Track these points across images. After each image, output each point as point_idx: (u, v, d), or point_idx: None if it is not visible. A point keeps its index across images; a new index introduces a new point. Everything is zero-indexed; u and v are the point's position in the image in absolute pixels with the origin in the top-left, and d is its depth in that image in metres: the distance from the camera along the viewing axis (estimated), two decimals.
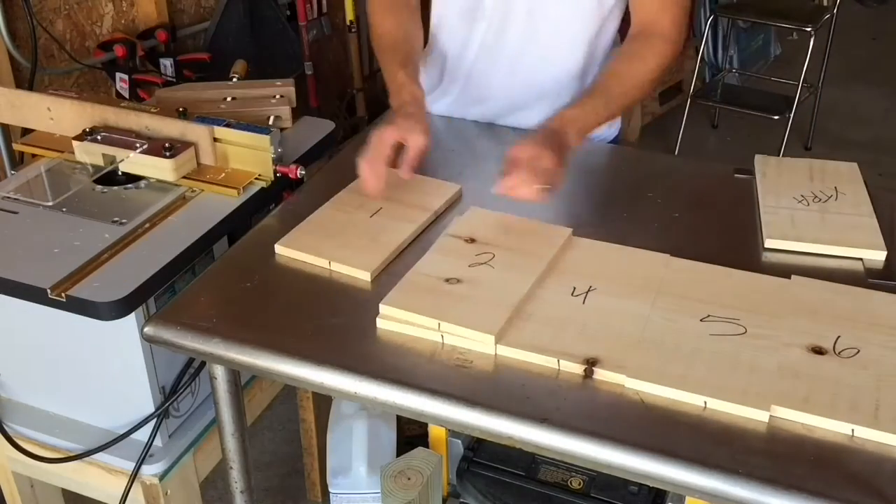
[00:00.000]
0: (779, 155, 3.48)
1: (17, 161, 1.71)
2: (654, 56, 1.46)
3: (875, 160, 3.67)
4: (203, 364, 1.39)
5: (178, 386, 1.40)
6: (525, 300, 1.15)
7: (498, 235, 1.28)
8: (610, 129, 1.69)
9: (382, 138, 1.30)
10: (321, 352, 1.10)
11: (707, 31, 3.86)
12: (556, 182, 1.29)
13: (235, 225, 1.41)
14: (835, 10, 3.65)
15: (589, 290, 1.18)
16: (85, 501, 1.61)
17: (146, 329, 1.16)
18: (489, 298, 1.14)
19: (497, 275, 1.19)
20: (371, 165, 1.30)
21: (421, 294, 1.15)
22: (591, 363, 1.05)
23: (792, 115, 3.61)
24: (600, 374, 1.04)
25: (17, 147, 1.57)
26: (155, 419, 1.37)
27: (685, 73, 4.08)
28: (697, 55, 3.85)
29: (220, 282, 1.25)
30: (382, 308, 1.14)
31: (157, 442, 1.40)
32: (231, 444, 1.30)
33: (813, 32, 3.48)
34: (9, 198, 1.41)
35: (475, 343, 1.09)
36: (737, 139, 3.98)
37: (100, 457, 1.40)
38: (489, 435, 1.02)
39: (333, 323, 1.15)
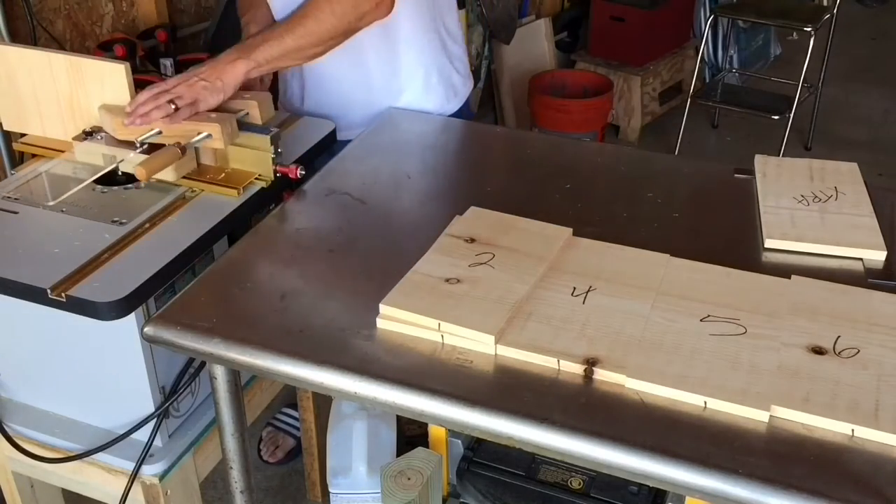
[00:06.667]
0: (779, 155, 3.48)
1: (17, 161, 1.71)
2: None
3: (875, 160, 3.67)
4: (203, 364, 1.39)
5: (178, 386, 1.40)
6: (525, 300, 1.15)
7: (498, 235, 1.28)
8: (449, 104, 1.77)
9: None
10: (321, 352, 1.10)
11: (707, 31, 3.85)
12: (192, 97, 1.41)
13: (235, 225, 1.41)
14: (835, 10, 3.64)
15: (589, 290, 1.18)
16: (85, 501, 1.60)
17: (146, 329, 1.16)
18: (489, 298, 1.14)
19: (497, 275, 1.19)
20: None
21: (421, 294, 1.15)
22: (591, 363, 1.05)
23: (792, 115, 3.61)
24: (600, 374, 1.04)
25: (17, 147, 1.57)
26: (155, 419, 1.37)
27: (685, 73, 4.08)
28: (697, 55, 3.85)
29: (220, 282, 1.25)
30: (382, 308, 1.14)
31: (157, 442, 1.39)
32: (231, 444, 1.30)
33: (813, 32, 3.48)
34: (9, 198, 1.40)
35: (475, 343, 1.09)
36: (737, 139, 3.98)
37: (100, 457, 1.40)
38: (489, 435, 1.02)
39: (333, 323, 1.15)
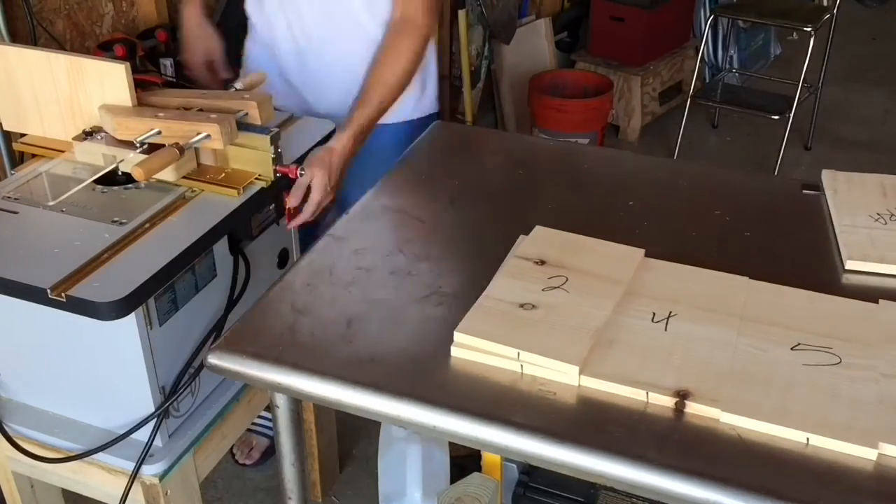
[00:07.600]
0: (779, 154, 3.47)
1: (17, 161, 1.70)
2: (408, 49, 1.66)
3: (875, 160, 3.67)
4: (203, 364, 1.38)
5: (178, 386, 1.39)
6: (605, 327, 1.09)
7: (568, 256, 1.22)
8: (416, 109, 1.84)
9: None
10: (395, 383, 1.04)
11: (707, 31, 3.84)
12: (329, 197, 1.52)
13: (235, 225, 1.41)
14: (835, 10, 3.63)
15: (670, 316, 1.12)
16: (85, 501, 1.60)
17: (209, 358, 1.11)
18: (568, 325, 1.08)
19: (573, 299, 1.13)
20: None
21: (496, 321, 1.09)
22: (682, 396, 0.99)
23: (792, 115, 3.59)
24: (692, 407, 0.98)
25: (17, 147, 1.56)
26: (155, 419, 1.36)
27: (685, 73, 4.07)
28: (697, 55, 3.84)
29: (280, 307, 1.19)
30: (457, 336, 1.08)
31: (157, 442, 1.39)
32: (290, 473, 1.25)
33: (813, 32, 3.46)
34: (9, 198, 1.40)
35: (557, 373, 1.03)
36: (737, 139, 3.97)
37: (100, 457, 1.40)
38: (579, 473, 0.96)
39: (405, 352, 1.10)
